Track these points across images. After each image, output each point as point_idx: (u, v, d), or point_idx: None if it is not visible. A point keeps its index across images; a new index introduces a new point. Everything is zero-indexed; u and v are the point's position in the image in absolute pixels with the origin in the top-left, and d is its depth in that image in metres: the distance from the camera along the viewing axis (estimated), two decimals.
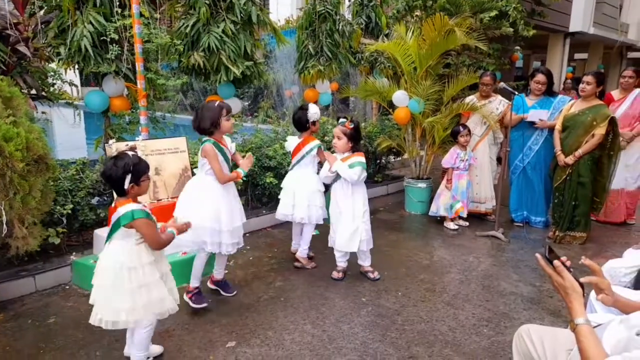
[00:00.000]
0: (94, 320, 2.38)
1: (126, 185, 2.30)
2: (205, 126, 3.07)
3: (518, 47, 8.61)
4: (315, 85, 6.30)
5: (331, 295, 3.51)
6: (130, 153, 2.36)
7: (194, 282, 3.27)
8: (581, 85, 4.47)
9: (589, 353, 1.41)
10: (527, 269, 4.03)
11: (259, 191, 5.16)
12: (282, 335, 2.96)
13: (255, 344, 2.85)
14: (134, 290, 2.35)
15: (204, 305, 3.25)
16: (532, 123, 4.83)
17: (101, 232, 3.69)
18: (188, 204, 3.14)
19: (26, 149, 2.75)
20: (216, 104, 3.11)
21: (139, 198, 2.48)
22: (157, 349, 2.74)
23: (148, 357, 2.62)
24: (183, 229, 2.55)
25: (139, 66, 3.91)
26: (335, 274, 3.77)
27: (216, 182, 3.13)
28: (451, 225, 5.08)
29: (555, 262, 1.55)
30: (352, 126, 3.54)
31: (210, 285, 3.48)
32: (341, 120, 3.62)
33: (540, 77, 4.84)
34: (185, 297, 3.25)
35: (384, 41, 6.16)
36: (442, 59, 5.64)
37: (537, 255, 1.62)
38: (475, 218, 5.27)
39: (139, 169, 2.33)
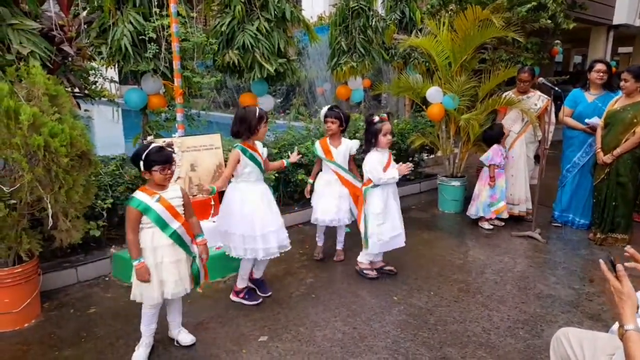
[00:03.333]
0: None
1: (141, 170, 2.50)
2: (241, 131, 3.13)
3: (558, 41, 8.31)
4: (347, 82, 6.29)
5: (362, 293, 3.50)
6: (155, 144, 2.51)
7: (241, 284, 3.34)
8: (621, 83, 4.28)
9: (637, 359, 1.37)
10: (565, 271, 3.91)
11: (290, 188, 5.19)
12: (314, 331, 2.98)
13: (286, 339, 2.88)
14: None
15: (260, 300, 3.32)
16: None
17: None
18: (222, 210, 3.24)
19: (70, 145, 2.85)
20: (256, 111, 3.15)
21: (172, 187, 2.65)
22: (187, 339, 2.82)
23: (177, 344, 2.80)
24: (138, 276, 2.53)
25: (176, 64, 4.00)
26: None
27: (248, 187, 3.18)
28: (486, 225, 4.97)
29: (618, 266, 1.58)
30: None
31: (248, 283, 3.51)
32: (377, 118, 3.54)
33: (601, 66, 4.60)
34: (235, 298, 3.34)
35: (418, 36, 6.08)
36: (477, 53, 5.52)
37: (601, 260, 1.63)
38: (510, 218, 5.12)
39: (151, 158, 2.46)
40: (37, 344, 2.84)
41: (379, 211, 3.56)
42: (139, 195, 2.52)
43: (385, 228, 3.59)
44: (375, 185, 3.56)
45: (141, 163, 2.47)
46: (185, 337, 2.81)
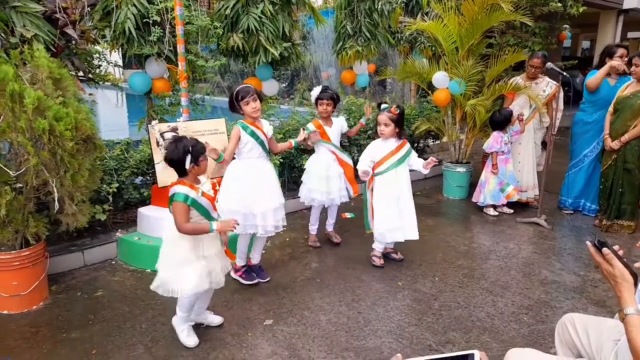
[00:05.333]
0: (153, 285, 2.57)
1: (187, 166, 2.44)
2: (233, 105, 3.17)
3: (566, 26, 8.17)
4: (352, 66, 6.22)
5: (367, 278, 3.51)
6: (188, 136, 2.52)
7: (240, 262, 3.40)
8: (632, 68, 4.21)
9: (638, 344, 1.36)
10: (570, 258, 3.90)
11: (295, 173, 5.18)
12: (318, 315, 3.00)
13: (292, 323, 2.90)
14: (186, 261, 2.51)
15: (256, 281, 3.37)
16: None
17: (145, 211, 3.82)
18: (224, 187, 3.24)
19: (75, 129, 2.84)
20: (240, 88, 3.13)
21: (202, 178, 2.64)
22: (216, 319, 2.89)
23: (202, 325, 2.85)
24: (226, 229, 2.57)
25: (180, 48, 3.96)
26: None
27: (249, 163, 3.19)
28: (491, 211, 4.96)
29: (604, 249, 1.50)
30: (398, 111, 3.46)
31: (247, 261, 3.53)
32: (384, 106, 3.53)
33: (623, 50, 4.52)
34: (234, 275, 3.39)
35: (424, 20, 5.99)
36: (484, 38, 5.44)
37: (588, 242, 1.56)
38: (517, 205, 5.09)
39: (197, 150, 2.48)
40: (45, 325, 2.87)
41: (377, 200, 3.58)
42: (183, 189, 2.45)
43: (379, 218, 3.58)
44: (378, 174, 3.56)
45: (188, 158, 2.42)
46: (214, 318, 2.89)
